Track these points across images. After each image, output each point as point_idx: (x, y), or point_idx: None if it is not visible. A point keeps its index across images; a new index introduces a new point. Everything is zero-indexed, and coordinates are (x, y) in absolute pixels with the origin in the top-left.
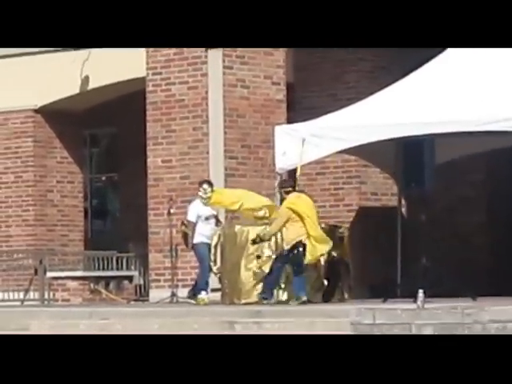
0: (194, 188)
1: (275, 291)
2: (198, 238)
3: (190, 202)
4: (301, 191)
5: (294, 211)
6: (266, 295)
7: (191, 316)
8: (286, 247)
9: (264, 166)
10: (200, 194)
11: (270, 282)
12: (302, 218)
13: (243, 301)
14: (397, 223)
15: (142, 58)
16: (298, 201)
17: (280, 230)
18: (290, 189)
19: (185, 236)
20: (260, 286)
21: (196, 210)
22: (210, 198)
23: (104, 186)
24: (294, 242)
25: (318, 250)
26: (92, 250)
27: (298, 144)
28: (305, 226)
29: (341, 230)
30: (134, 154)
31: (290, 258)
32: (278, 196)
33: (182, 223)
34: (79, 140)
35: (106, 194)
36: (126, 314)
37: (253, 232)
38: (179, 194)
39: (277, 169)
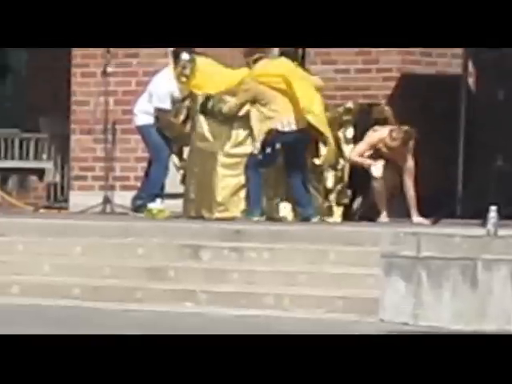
0: None
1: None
2: (145, 119)
3: (153, 73)
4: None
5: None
6: (253, 208)
7: (134, 235)
8: (255, 144)
9: None
10: (176, 69)
11: (252, 192)
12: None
13: (217, 214)
14: (460, 102)
15: None
16: (267, 68)
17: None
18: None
19: None
20: (242, 194)
21: (170, 91)
22: (188, 76)
23: None
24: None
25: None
26: None
27: None
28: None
29: (379, 109)
30: None
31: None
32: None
33: None
34: None
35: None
36: (31, 227)
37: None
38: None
39: None
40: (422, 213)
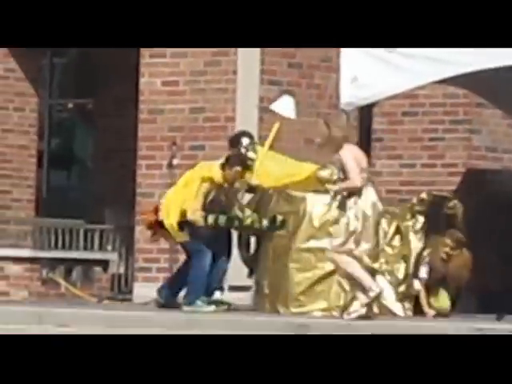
0: (210, 128)
1: None
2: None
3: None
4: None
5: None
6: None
7: (198, 327)
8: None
9: (322, 98)
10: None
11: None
12: None
13: (293, 310)
14: None
15: None
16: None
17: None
18: (238, 168)
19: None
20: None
21: None
22: (253, 160)
23: (70, 119)
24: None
25: None
26: (47, 218)
27: (378, 65)
28: None
29: (451, 204)
30: (118, 71)
31: None
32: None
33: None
34: None
35: (72, 131)
36: (94, 319)
37: (315, 200)
38: (187, 135)
39: (342, 104)
40: (490, 309)
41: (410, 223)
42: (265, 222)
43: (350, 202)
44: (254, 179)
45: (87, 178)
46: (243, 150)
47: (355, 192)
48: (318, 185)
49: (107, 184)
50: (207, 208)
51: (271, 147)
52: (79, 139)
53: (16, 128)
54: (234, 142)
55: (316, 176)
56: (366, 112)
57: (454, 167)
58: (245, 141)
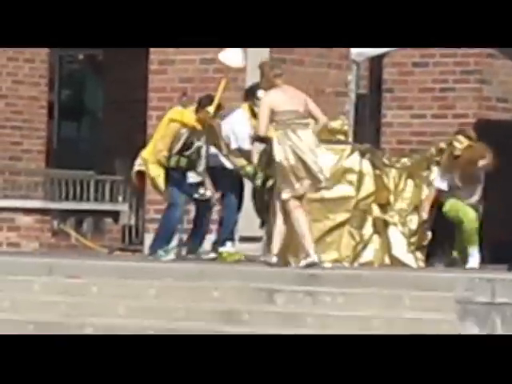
0: (221, 79)
1: None
2: (217, 160)
3: (223, 116)
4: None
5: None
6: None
7: (209, 278)
8: None
9: (332, 49)
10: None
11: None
12: None
13: (304, 262)
14: None
15: None
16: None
17: None
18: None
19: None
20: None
21: (248, 131)
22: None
23: (81, 70)
24: None
25: None
26: (57, 169)
27: None
28: None
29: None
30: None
31: None
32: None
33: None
34: None
35: (82, 83)
36: (106, 270)
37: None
38: (197, 86)
39: (353, 54)
40: (500, 258)
41: (424, 174)
42: (258, 182)
43: (285, 146)
44: (262, 130)
45: (97, 129)
46: (258, 102)
47: (265, 140)
48: (328, 135)
49: (117, 135)
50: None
51: (219, 105)
52: (89, 90)
53: (26, 79)
54: (250, 93)
55: (326, 126)
56: (376, 63)
57: (465, 118)
58: (260, 93)
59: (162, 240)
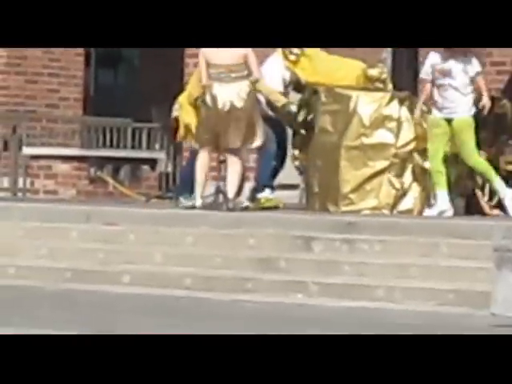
0: None
1: None
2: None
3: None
4: None
5: None
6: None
7: (246, 225)
8: None
9: None
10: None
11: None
12: None
13: (343, 208)
14: None
15: None
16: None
17: None
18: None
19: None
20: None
21: (282, 75)
22: (296, 60)
23: None
24: None
25: None
26: (94, 116)
27: None
28: None
29: (501, 104)
30: None
31: None
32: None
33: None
34: None
35: None
36: (143, 217)
37: (364, 99)
38: None
39: None
40: None
41: None
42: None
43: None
44: (302, 77)
45: (134, 77)
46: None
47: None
48: (367, 83)
49: (154, 82)
50: None
51: None
52: None
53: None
54: None
55: (365, 74)
56: None
57: (503, 65)
58: None
59: (183, 188)
